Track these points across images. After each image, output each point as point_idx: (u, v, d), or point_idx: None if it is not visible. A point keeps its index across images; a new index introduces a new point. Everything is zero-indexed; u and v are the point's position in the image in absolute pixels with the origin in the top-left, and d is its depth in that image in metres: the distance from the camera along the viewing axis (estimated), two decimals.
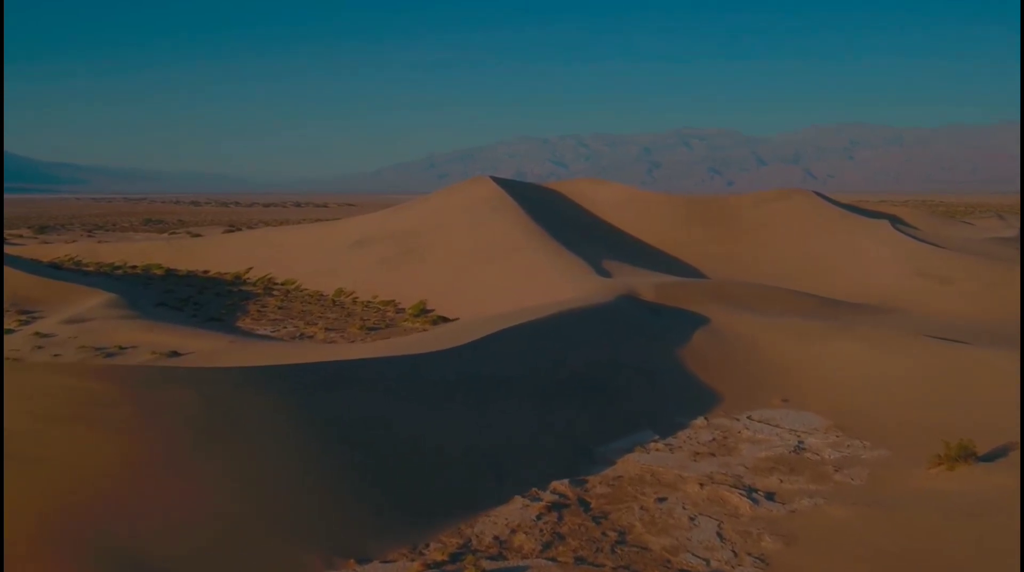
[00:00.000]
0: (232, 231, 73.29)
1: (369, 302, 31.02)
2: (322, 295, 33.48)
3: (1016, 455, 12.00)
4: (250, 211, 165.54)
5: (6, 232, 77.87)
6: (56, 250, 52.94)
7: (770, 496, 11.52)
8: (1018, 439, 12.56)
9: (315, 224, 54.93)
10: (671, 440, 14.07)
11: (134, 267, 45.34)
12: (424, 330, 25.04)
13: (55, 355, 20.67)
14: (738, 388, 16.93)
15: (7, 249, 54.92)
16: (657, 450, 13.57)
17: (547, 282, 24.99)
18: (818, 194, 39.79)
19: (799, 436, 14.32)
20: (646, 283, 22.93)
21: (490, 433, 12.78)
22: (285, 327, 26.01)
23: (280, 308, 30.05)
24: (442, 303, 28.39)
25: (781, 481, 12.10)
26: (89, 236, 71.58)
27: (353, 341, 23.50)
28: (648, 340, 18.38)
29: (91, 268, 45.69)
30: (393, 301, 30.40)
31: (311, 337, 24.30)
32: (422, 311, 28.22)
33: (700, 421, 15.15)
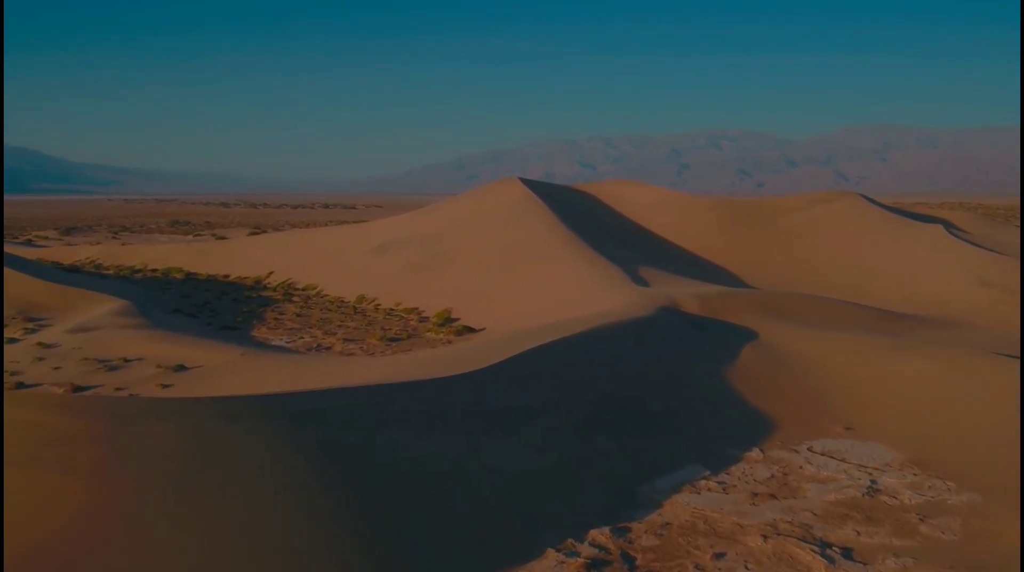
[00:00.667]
0: (256, 233, 72.43)
1: (392, 310, 29.60)
2: (343, 302, 32.12)
3: None
4: (278, 213, 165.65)
5: (33, 233, 77.69)
6: (78, 252, 52.24)
7: (847, 553, 9.83)
8: None
9: (338, 227, 53.71)
10: (724, 477, 12.39)
11: (154, 270, 44.40)
12: (448, 341, 23.55)
13: (56, 368, 19.43)
14: (795, 414, 15.20)
15: (28, 251, 54.38)
16: (709, 490, 11.90)
17: (580, 291, 23.39)
18: (864, 197, 37.74)
19: (871, 473, 12.57)
20: (688, 293, 21.23)
21: (519, 471, 11.20)
22: (302, 337, 24.62)
23: (298, 316, 28.71)
24: (468, 312, 26.88)
25: (858, 533, 10.39)
26: (114, 238, 71.08)
27: (372, 353, 22.05)
28: (693, 358, 16.69)
29: (111, 271, 44.81)
30: (416, 309, 28.95)
31: (328, 349, 22.89)
32: (446, 320, 26.73)
33: (755, 453, 13.45)
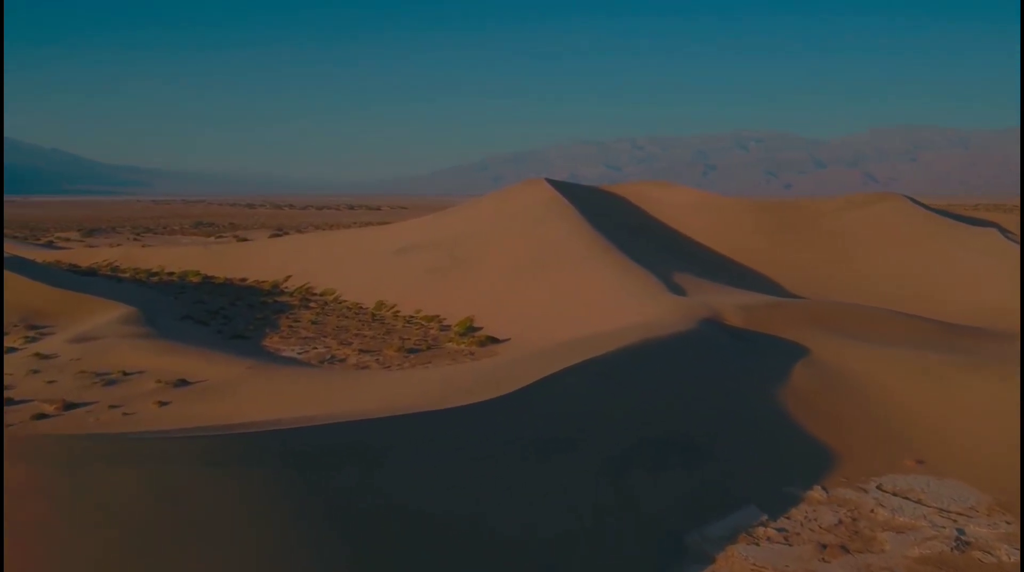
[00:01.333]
0: (278, 235, 71.46)
1: (411, 317, 28.14)
2: (361, 308, 30.72)
3: None
4: (302, 214, 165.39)
5: (55, 235, 77.31)
6: (97, 254, 51.39)
7: None
8: None
9: (359, 229, 52.53)
10: (784, 522, 10.73)
11: (171, 274, 43.35)
12: (470, 353, 22.04)
13: (50, 381, 18.14)
14: (857, 444, 13.48)
15: (46, 254, 53.64)
16: (769, 539, 10.25)
17: (612, 300, 21.76)
18: (909, 198, 35.71)
19: (955, 520, 10.85)
20: (730, 303, 19.51)
21: (547, 518, 9.62)
22: (315, 347, 23.21)
23: (314, 323, 27.32)
24: (492, 320, 25.35)
25: None
26: (135, 240, 70.41)
27: (388, 366, 20.57)
28: (740, 379, 15.01)
29: (127, 274, 43.81)
30: (437, 316, 27.46)
31: (342, 361, 21.44)
32: (469, 329, 25.21)
33: (817, 492, 11.75)
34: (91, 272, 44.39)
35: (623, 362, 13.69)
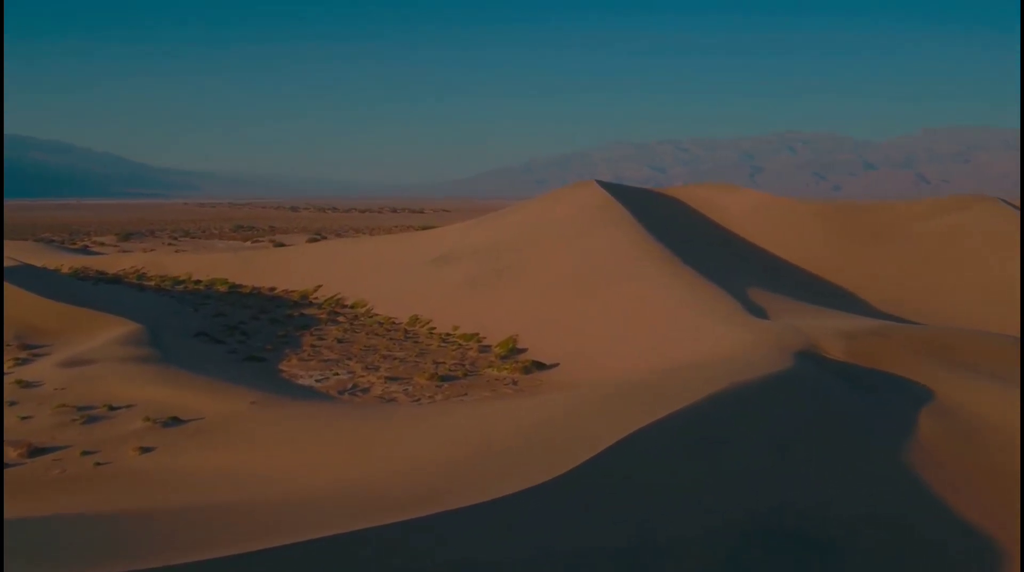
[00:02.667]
0: (316, 240, 69.29)
1: (448, 335, 25.22)
2: (394, 323, 27.90)
3: None
4: (345, 217, 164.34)
5: (92, 239, 76.14)
6: (126, 260, 49.46)
7: None
8: None
9: (395, 235, 49.98)
10: None
11: (197, 282, 41.08)
12: (513, 382, 19.04)
13: (25, 417, 15.55)
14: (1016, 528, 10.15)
15: (76, 259, 51.96)
16: None
17: (681, 322, 18.56)
18: (1004, 201, 31.76)
19: None
20: (826, 330, 16.17)
21: None
22: (337, 373, 20.39)
23: (340, 342, 24.57)
24: (538, 340, 22.32)
25: None
26: (170, 244, 68.73)
27: (418, 399, 17.64)
28: (859, 439, 11.73)
29: (153, 282, 41.65)
30: (476, 335, 24.50)
31: (365, 390, 18.56)
32: (511, 351, 22.22)
33: None
34: (116, 279, 42.36)
35: (715, 418, 10.52)
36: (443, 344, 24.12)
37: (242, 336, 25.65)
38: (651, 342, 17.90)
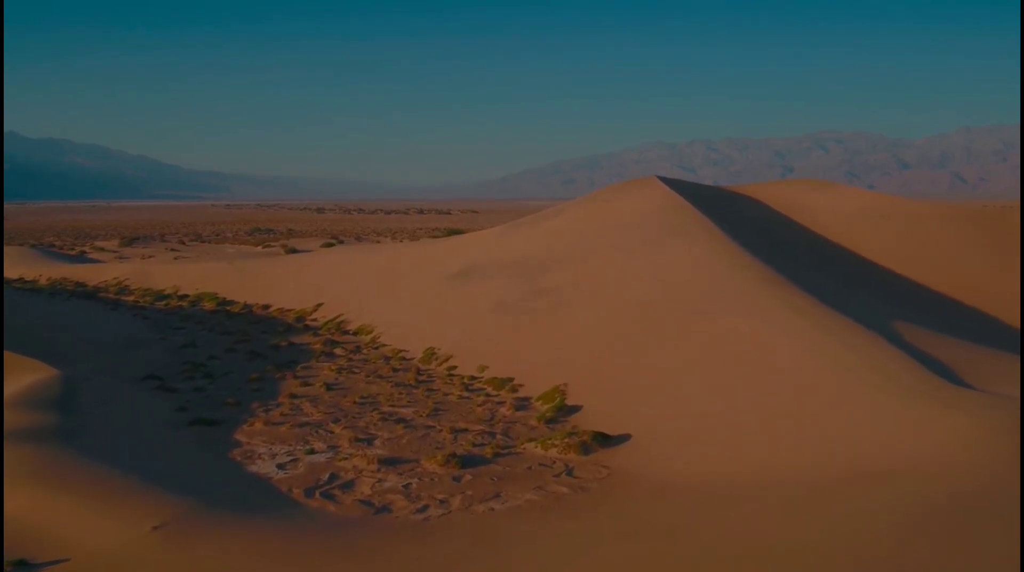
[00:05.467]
0: (331, 245, 63.50)
1: (473, 379, 19.04)
2: (404, 359, 21.80)
3: None
4: (370, 219, 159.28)
5: (94, 244, 71.07)
6: (112, 270, 43.84)
7: None
8: None
9: (412, 243, 43.99)
10: None
11: (184, 297, 35.26)
12: (567, 466, 12.77)
13: None
14: None
15: (60, 269, 46.59)
16: None
17: (819, 382, 12.14)
18: None
19: None
20: None
21: None
22: (312, 445, 14.24)
23: (330, 389, 18.50)
24: (595, 395, 16.07)
25: None
26: (171, 250, 63.24)
27: (424, 508, 11.38)
28: None
29: (133, 296, 35.93)
30: (511, 380, 18.28)
31: (346, 486, 12.34)
32: (559, 410, 15.94)
33: None
34: (92, 294, 36.71)
35: None
36: (466, 393, 17.92)
37: (205, 379, 19.65)
38: (767, 408, 11.60)
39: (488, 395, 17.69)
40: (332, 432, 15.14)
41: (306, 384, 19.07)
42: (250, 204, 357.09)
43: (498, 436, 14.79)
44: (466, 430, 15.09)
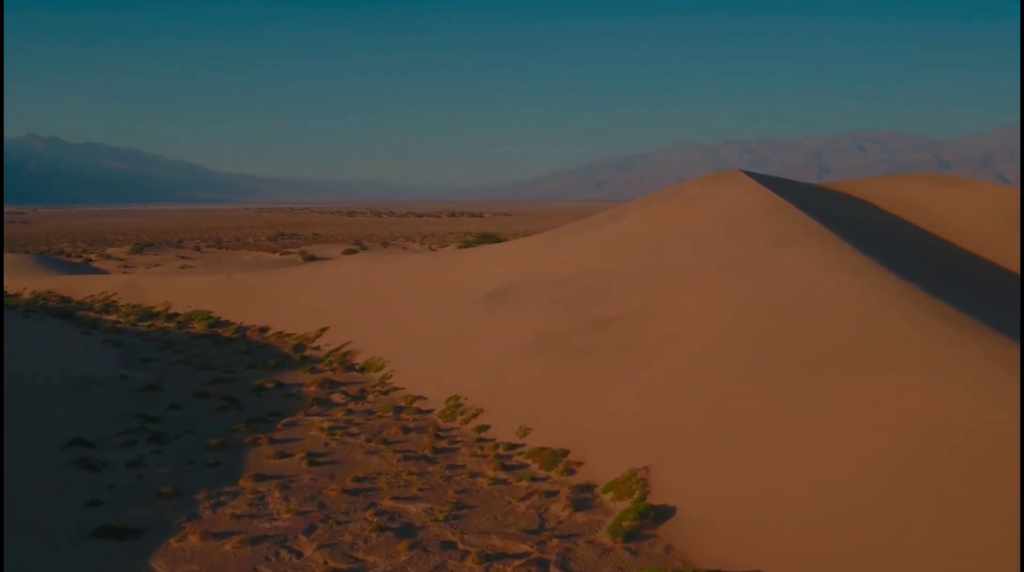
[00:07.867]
0: (353, 251, 58.69)
1: (512, 449, 13.78)
2: (419, 411, 16.62)
3: None
4: (400, 222, 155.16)
5: (106, 249, 67.06)
6: (102, 283, 39.33)
7: None
8: None
9: (438, 254, 38.86)
10: None
11: (173, 316, 30.48)
12: None
13: None
14: None
15: (56, 280, 42.15)
16: None
17: (990, 449, 6.82)
18: None
19: None
20: None
21: None
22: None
23: (313, 464, 13.34)
24: (694, 484, 10.76)
25: None
26: (181, 257, 58.84)
27: None
28: None
29: (115, 316, 31.26)
30: (565, 454, 13.00)
31: None
32: (642, 516, 10.54)
33: None
34: (71, 312, 32.08)
35: None
36: (502, 475, 12.66)
37: (150, 445, 14.62)
38: (933, 495, 6.28)
39: (534, 479, 12.42)
40: (298, 554, 9.94)
41: (283, 455, 13.95)
42: (282, 207, 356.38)
43: (554, 559, 9.53)
44: (503, 556, 9.80)
